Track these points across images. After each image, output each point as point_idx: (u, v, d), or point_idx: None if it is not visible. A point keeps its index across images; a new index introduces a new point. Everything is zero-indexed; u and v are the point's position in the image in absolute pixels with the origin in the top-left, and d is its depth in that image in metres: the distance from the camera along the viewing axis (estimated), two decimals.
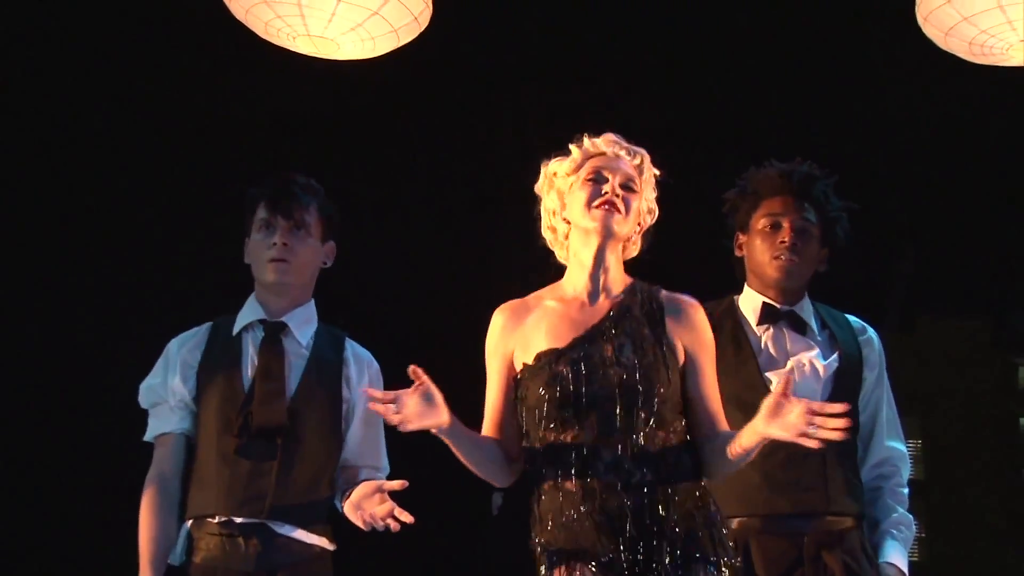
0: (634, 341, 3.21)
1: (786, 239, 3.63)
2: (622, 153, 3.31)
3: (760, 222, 3.67)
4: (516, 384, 3.28)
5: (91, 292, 5.20)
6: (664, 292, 3.31)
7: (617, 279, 3.31)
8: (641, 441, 3.15)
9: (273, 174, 3.73)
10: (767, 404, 3.02)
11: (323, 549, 3.64)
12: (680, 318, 3.28)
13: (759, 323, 3.67)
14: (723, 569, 3.14)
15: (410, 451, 5.13)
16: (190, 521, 3.58)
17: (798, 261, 3.63)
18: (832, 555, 3.54)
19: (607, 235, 3.25)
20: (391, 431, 3.65)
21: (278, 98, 5.29)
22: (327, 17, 4.18)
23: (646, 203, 3.32)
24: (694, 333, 3.28)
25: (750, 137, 5.72)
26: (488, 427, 3.31)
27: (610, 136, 3.34)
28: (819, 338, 3.68)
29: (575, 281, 3.30)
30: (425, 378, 3.05)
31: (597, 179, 3.27)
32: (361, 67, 4.53)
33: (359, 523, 3.47)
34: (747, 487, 3.54)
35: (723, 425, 3.23)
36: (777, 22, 5.51)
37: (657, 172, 3.35)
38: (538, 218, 3.38)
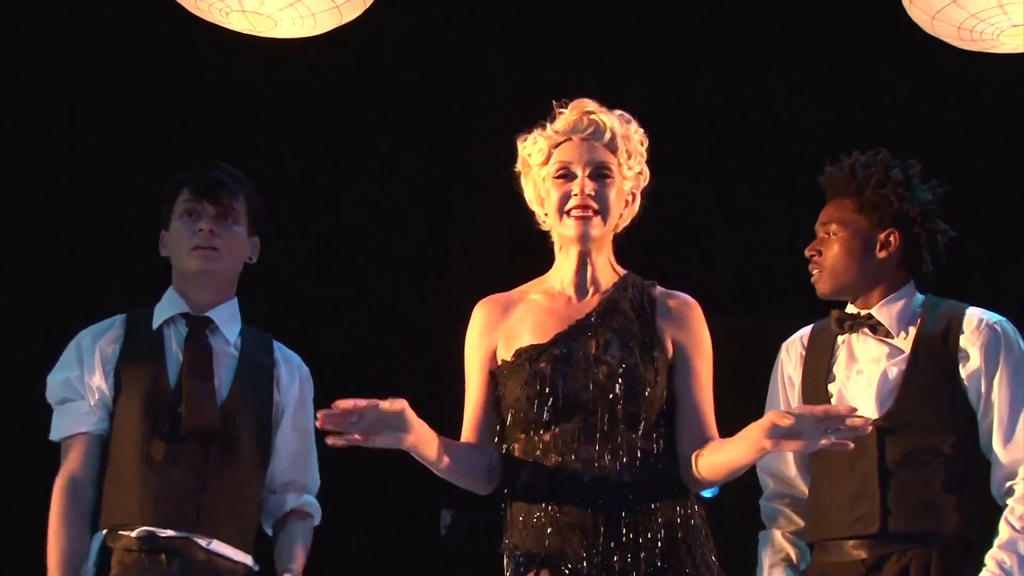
0: (621, 338, 3.15)
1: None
2: (590, 134, 3.20)
3: None
4: (496, 382, 3.21)
5: None
6: (659, 288, 3.25)
7: (607, 272, 3.25)
8: (623, 445, 3.09)
9: (197, 162, 3.69)
10: (775, 417, 2.90)
11: (248, 568, 3.58)
12: (672, 315, 3.21)
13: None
14: None
15: (350, 465, 5.00)
16: (104, 532, 3.48)
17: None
18: None
19: (585, 242, 3.21)
20: (328, 446, 3.59)
21: (208, 80, 5.17)
22: None
23: (629, 177, 3.22)
24: (686, 331, 3.21)
25: (730, 128, 5.63)
26: (468, 430, 3.24)
27: (581, 106, 3.24)
28: None
29: (562, 274, 3.26)
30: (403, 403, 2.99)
31: (566, 175, 3.21)
32: (300, 46, 4.42)
33: None
34: (813, 508, 3.55)
35: (713, 433, 3.15)
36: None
37: (641, 137, 3.24)
38: (523, 197, 3.31)
